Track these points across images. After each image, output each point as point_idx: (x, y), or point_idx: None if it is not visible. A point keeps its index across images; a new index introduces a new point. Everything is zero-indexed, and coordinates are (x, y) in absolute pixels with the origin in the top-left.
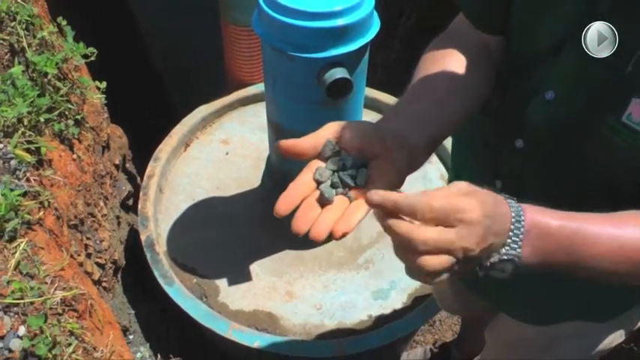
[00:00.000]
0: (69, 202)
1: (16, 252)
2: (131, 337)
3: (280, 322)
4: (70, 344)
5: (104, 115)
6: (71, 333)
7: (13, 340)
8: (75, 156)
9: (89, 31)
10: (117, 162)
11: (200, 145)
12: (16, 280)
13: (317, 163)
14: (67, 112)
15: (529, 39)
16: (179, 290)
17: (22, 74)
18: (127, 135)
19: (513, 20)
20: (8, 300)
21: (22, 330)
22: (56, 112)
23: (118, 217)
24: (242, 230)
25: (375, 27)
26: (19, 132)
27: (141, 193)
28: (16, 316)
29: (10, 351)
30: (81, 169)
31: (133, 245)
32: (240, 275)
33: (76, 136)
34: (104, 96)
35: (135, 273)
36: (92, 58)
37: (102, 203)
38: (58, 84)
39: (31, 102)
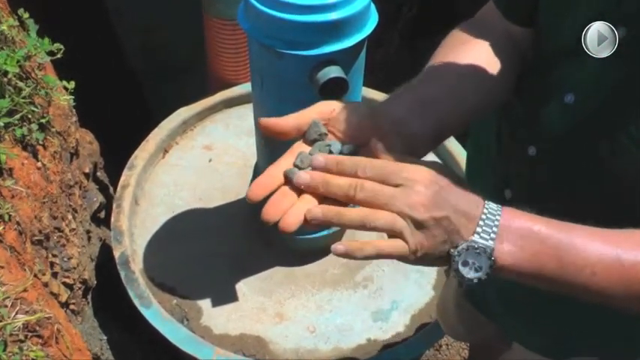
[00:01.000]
0: (32, 215)
1: None
2: None
3: (270, 346)
4: None
5: (72, 119)
6: None
7: None
8: (39, 164)
9: (55, 25)
10: (87, 170)
11: (180, 152)
12: None
13: (302, 147)
14: (30, 116)
15: (551, 35)
16: (157, 312)
17: None
18: (98, 140)
19: (540, 13)
20: None
21: None
22: (18, 116)
23: (88, 232)
24: (227, 245)
25: (372, 21)
26: None
27: (114, 205)
28: None
29: None
30: (46, 179)
31: (106, 263)
32: (225, 295)
33: (41, 142)
34: (72, 97)
35: (107, 294)
36: (59, 55)
37: (70, 216)
38: (20, 84)
39: None
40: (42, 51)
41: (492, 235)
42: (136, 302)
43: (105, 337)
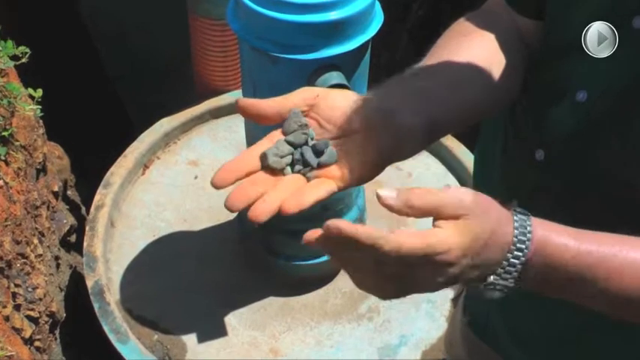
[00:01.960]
0: None
1: None
2: None
3: None
4: None
5: (39, 131)
6: None
7: None
8: (1, 182)
9: (20, 26)
10: (56, 189)
11: (162, 167)
12: None
13: (280, 134)
14: None
15: (561, 27)
16: (135, 349)
17: None
18: (68, 155)
19: (549, 2)
20: None
21: None
22: None
23: (57, 258)
24: (215, 273)
25: (377, 21)
26: None
27: (87, 228)
28: None
29: None
30: (8, 199)
31: (77, 293)
32: (212, 329)
33: (3, 157)
34: (39, 107)
35: (78, 328)
36: (24, 60)
37: (36, 241)
38: None
39: None
40: (4, 55)
41: (515, 274)
42: (112, 338)
43: None
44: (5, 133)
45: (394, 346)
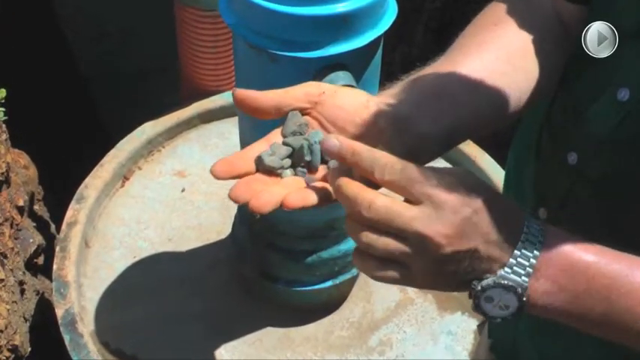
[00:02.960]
0: None
1: None
2: None
3: None
4: None
5: (2, 137)
6: None
7: None
8: None
9: None
10: (21, 203)
11: (144, 179)
12: None
13: (278, 136)
14: None
15: (607, 14)
16: None
17: None
18: (36, 164)
19: None
20: None
21: None
22: None
23: (21, 283)
24: (204, 300)
25: (390, 13)
26: None
27: (57, 248)
28: None
29: None
30: None
31: (44, 324)
32: None
33: None
34: (3, 109)
35: None
36: None
37: None
38: None
39: None
40: None
41: (528, 270)
42: None
43: None
44: None
45: None
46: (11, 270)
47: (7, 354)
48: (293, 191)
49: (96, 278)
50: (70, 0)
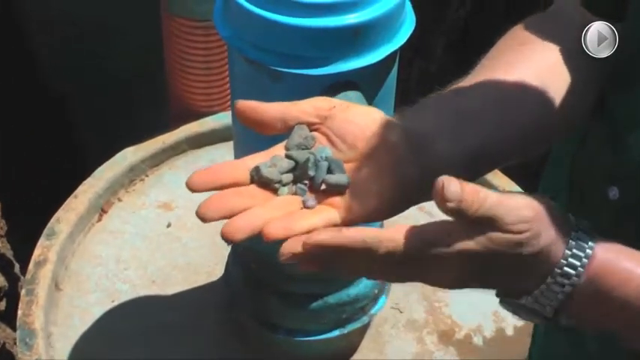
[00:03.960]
0: None
1: None
2: None
3: None
4: None
5: None
6: None
7: None
8: None
9: None
10: None
11: (125, 212)
12: None
13: (281, 150)
14: None
15: None
16: None
17: None
18: None
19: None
20: None
21: None
22: None
23: None
24: (192, 351)
25: (408, 25)
26: None
27: (22, 292)
28: None
29: None
30: None
31: None
32: None
33: None
34: None
35: None
36: None
37: None
38: None
39: None
40: None
41: (560, 297)
42: None
43: None
44: None
45: None
46: None
47: None
48: (276, 218)
49: (68, 326)
50: (37, 5)
